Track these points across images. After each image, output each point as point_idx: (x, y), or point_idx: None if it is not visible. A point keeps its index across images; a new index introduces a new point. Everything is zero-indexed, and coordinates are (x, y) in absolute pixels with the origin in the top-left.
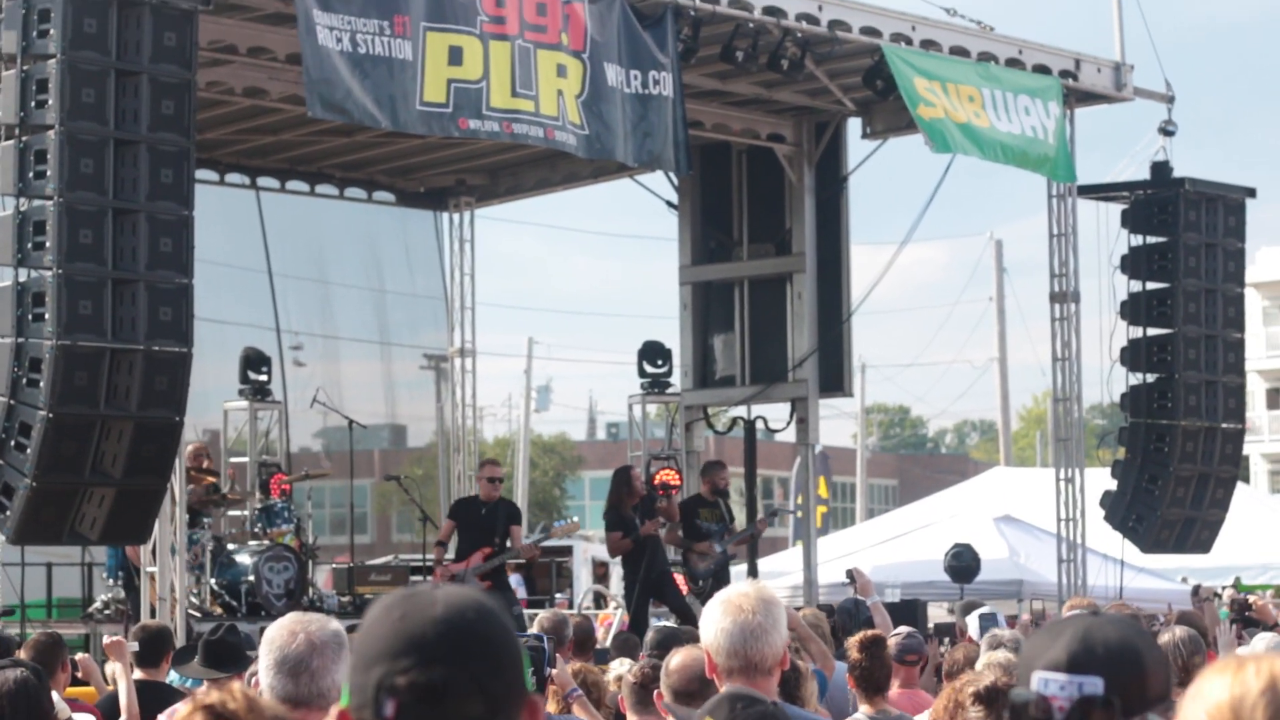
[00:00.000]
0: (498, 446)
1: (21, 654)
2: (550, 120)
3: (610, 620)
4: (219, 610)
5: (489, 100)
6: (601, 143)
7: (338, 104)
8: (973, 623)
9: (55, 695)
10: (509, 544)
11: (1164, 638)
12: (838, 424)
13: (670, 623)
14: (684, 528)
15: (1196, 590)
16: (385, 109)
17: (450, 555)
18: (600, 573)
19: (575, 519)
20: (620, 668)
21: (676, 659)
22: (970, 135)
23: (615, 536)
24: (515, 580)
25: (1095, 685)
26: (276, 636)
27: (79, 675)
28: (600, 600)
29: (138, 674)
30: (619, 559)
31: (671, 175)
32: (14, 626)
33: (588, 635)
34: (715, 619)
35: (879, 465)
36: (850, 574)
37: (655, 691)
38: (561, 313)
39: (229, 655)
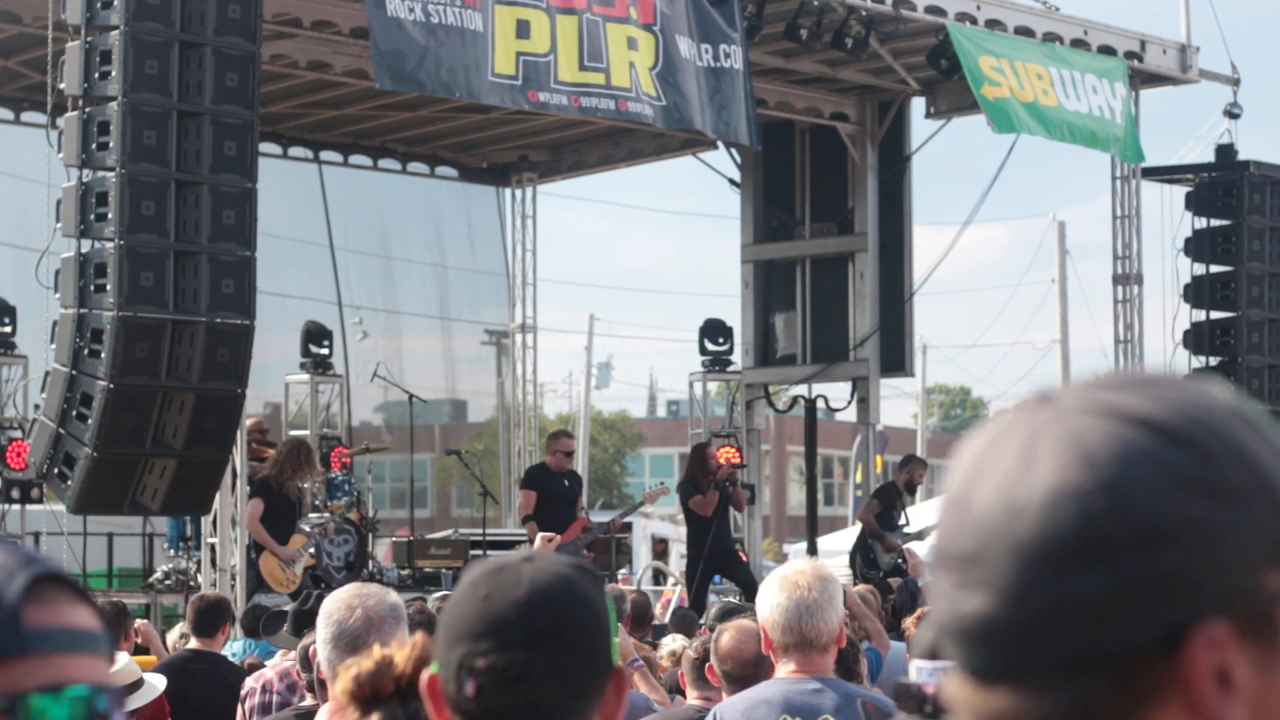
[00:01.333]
0: (558, 423)
1: None
2: (623, 92)
3: (670, 598)
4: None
5: (557, 74)
6: (680, 112)
7: (408, 75)
8: None
9: (126, 657)
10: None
11: None
12: (898, 404)
13: (734, 599)
14: (881, 518)
15: None
16: (459, 79)
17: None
18: (659, 549)
19: (663, 483)
20: (673, 644)
21: (726, 636)
22: (1036, 115)
23: (697, 499)
24: None
25: None
26: (334, 610)
27: (139, 642)
28: (659, 577)
29: (193, 643)
30: (683, 537)
31: (734, 153)
32: None
33: (644, 611)
34: (772, 595)
35: (939, 446)
36: (902, 554)
37: (707, 665)
38: (623, 289)
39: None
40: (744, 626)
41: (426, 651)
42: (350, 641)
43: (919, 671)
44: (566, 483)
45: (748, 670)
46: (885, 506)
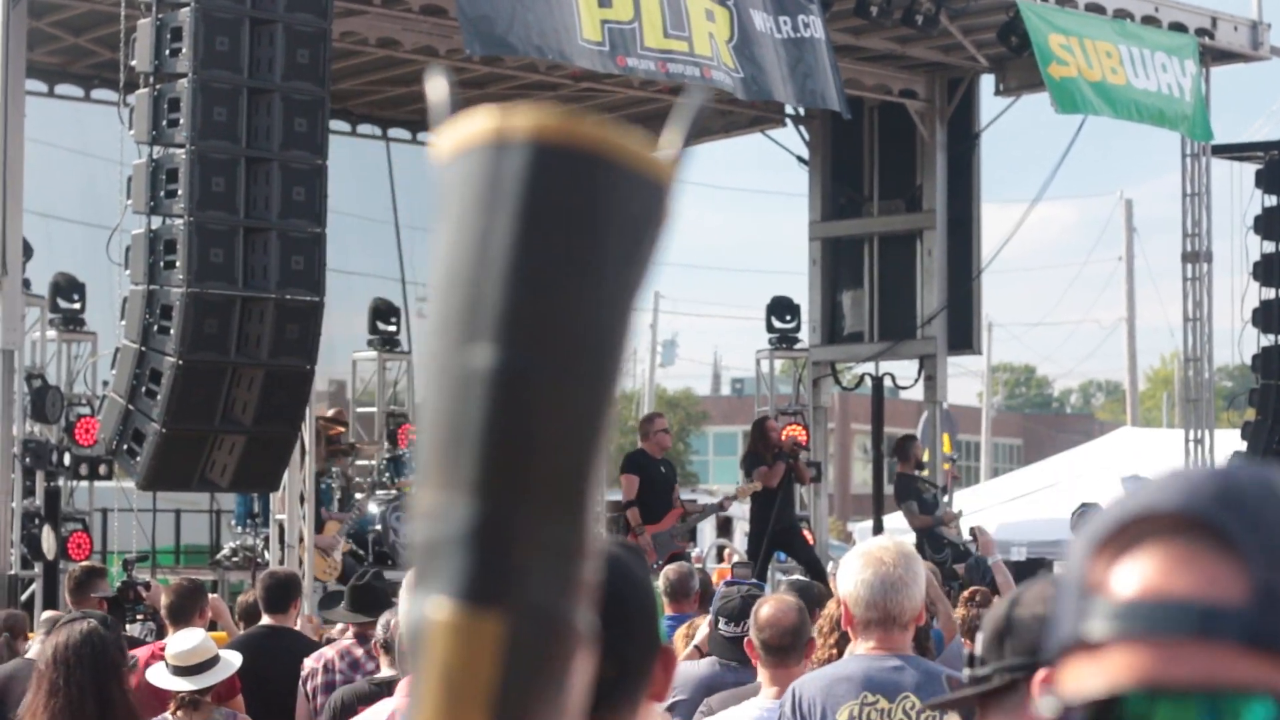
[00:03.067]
0: (623, 400)
1: (162, 599)
2: (706, 60)
3: (728, 574)
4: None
5: (643, 40)
6: (759, 85)
7: (499, 38)
8: None
9: (201, 633)
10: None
11: None
12: (963, 382)
13: (800, 575)
14: (921, 507)
15: None
16: (549, 41)
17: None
18: (724, 527)
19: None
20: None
21: (766, 610)
22: (1103, 94)
23: (762, 470)
24: None
25: None
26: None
27: (210, 617)
28: (723, 554)
29: (266, 619)
30: (746, 515)
31: (803, 130)
32: (144, 572)
33: (706, 590)
34: (855, 570)
35: (1004, 424)
36: (973, 531)
37: (746, 640)
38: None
39: (374, 600)
40: (783, 598)
41: None
42: None
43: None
44: (663, 469)
45: (785, 639)
46: (916, 498)
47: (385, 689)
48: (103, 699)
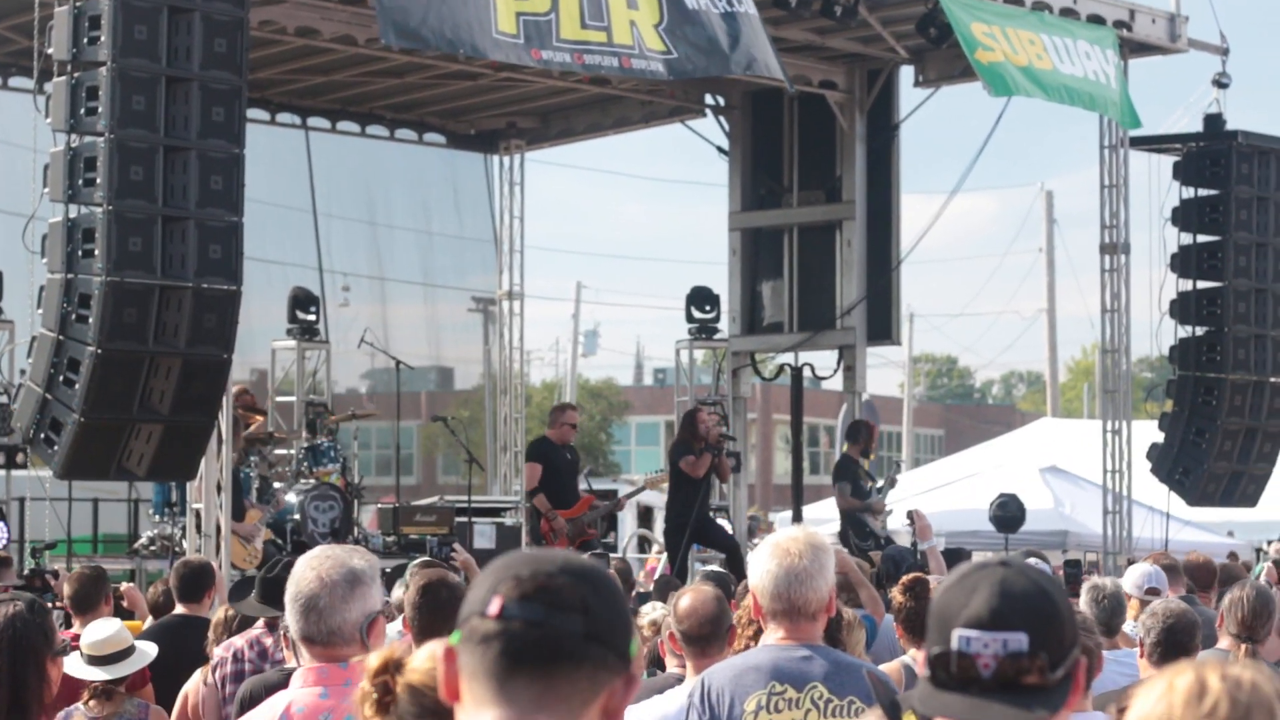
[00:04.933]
0: (544, 390)
1: (65, 587)
2: (625, 49)
3: (655, 565)
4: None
5: (559, 32)
6: (693, 63)
7: (413, 31)
8: None
9: (117, 623)
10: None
11: (1234, 593)
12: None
13: (718, 566)
14: (854, 490)
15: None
16: (463, 36)
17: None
18: (644, 517)
19: (662, 470)
20: (654, 612)
21: (686, 601)
22: (1033, 77)
23: (689, 460)
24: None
25: (1020, 641)
26: (296, 574)
27: (125, 605)
28: (644, 544)
29: (180, 608)
30: (664, 504)
31: (723, 121)
32: (60, 561)
33: (625, 578)
34: (762, 562)
35: (925, 415)
36: (911, 515)
37: (669, 632)
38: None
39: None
40: (701, 589)
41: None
42: (304, 604)
43: (968, 642)
44: (569, 455)
45: (705, 629)
46: (852, 481)
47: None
48: (15, 682)
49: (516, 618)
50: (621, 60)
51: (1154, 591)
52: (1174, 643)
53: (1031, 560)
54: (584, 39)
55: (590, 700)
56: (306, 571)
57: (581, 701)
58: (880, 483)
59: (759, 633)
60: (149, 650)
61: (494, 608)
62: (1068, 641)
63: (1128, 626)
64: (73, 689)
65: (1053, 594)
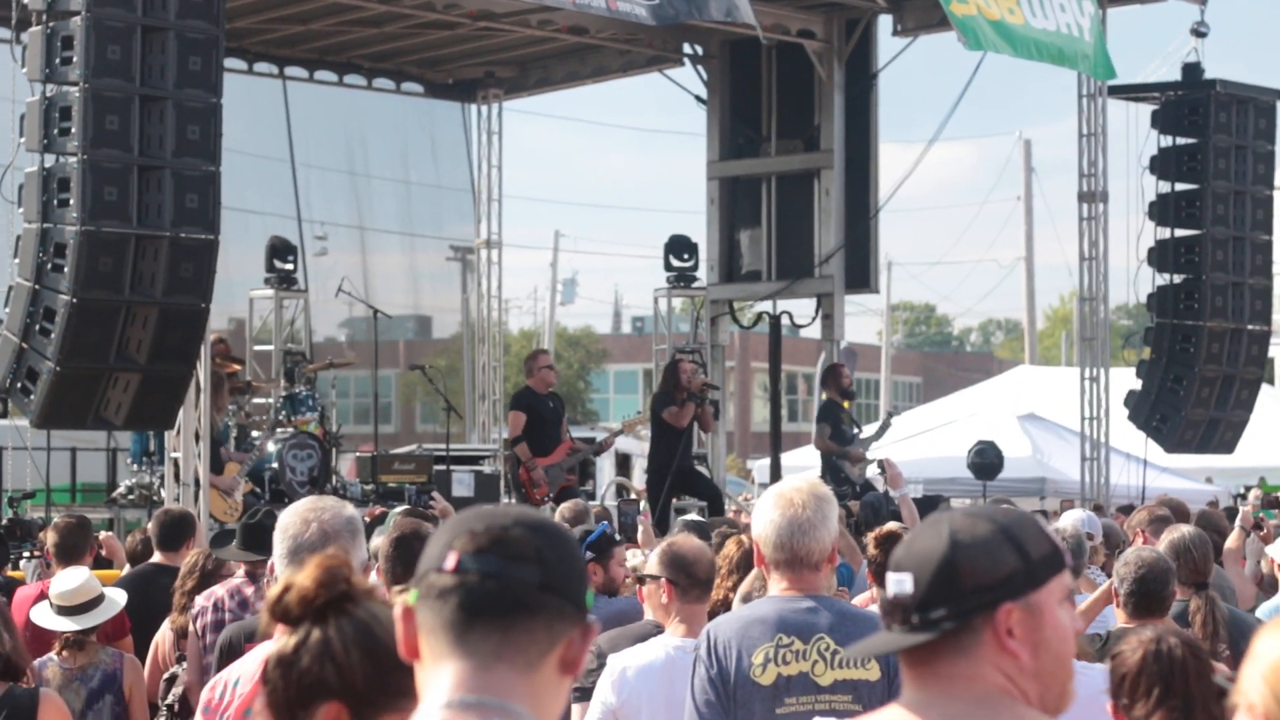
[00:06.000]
0: (523, 339)
1: (49, 536)
2: None
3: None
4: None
5: None
6: (674, 8)
7: None
8: None
9: (85, 572)
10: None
11: (1173, 535)
12: (863, 321)
13: (693, 515)
14: (835, 437)
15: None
16: None
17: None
18: (623, 465)
19: (640, 412)
20: (634, 559)
21: (673, 547)
22: (1003, 33)
23: (672, 410)
24: None
25: (905, 582)
26: (290, 524)
27: (104, 554)
28: (623, 491)
29: (158, 557)
30: (645, 453)
31: (701, 70)
32: (39, 510)
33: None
34: (766, 511)
35: (903, 362)
36: (881, 464)
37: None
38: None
39: (266, 539)
40: (688, 537)
41: (334, 566)
42: (306, 555)
43: (890, 583)
44: (551, 404)
45: (695, 573)
46: (833, 424)
47: None
48: None
49: (472, 570)
50: (609, 1)
51: (1088, 537)
52: (1146, 592)
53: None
54: None
55: (548, 650)
56: (304, 522)
57: (539, 652)
58: (866, 431)
59: (739, 584)
60: (118, 599)
61: (450, 562)
62: (958, 587)
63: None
64: (45, 639)
65: (954, 540)
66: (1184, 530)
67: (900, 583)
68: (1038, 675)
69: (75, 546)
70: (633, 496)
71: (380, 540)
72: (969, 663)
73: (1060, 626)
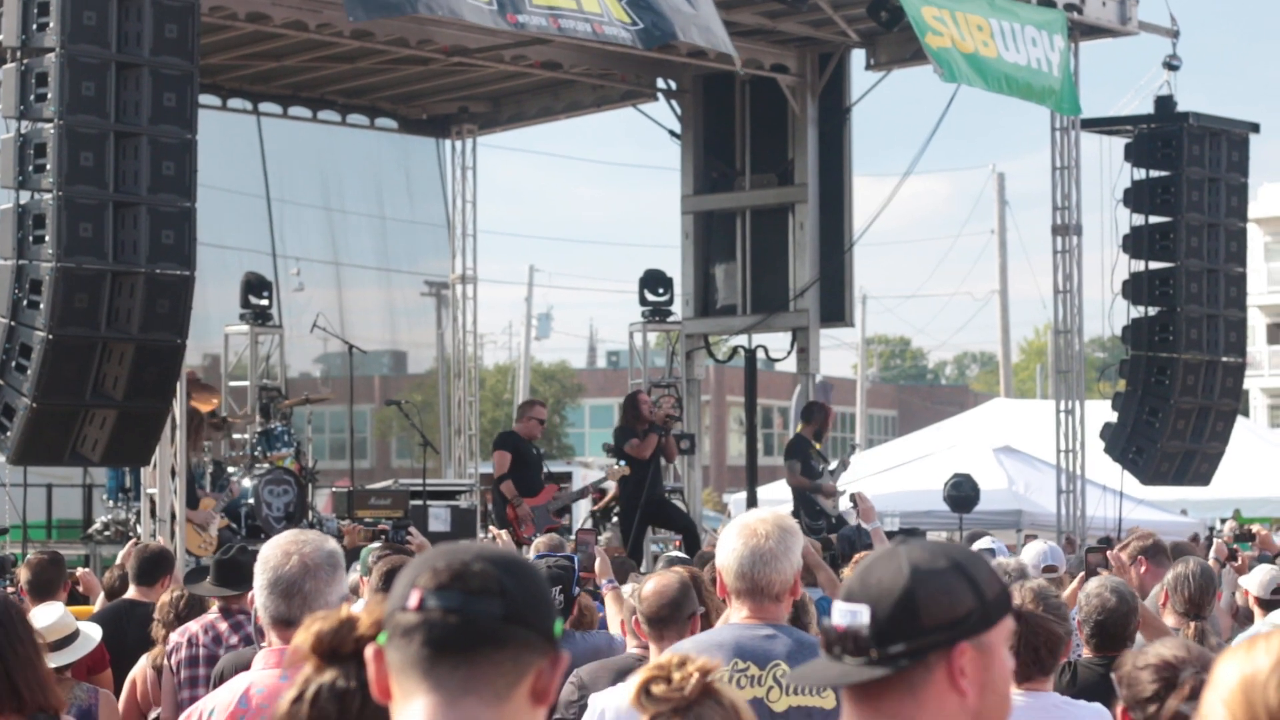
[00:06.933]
0: (498, 374)
1: (22, 573)
2: (596, 16)
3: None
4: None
5: None
6: (660, 29)
7: (381, 2)
8: None
9: (60, 608)
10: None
11: (1177, 568)
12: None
13: (676, 551)
14: (806, 473)
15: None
16: (439, 1)
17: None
18: (597, 499)
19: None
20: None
21: (651, 584)
22: (976, 66)
23: (634, 443)
24: None
25: (861, 614)
26: (271, 556)
27: (80, 590)
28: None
29: (133, 592)
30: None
31: (675, 104)
32: (15, 546)
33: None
34: (729, 541)
35: (879, 396)
36: (853, 498)
37: (634, 617)
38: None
39: (240, 574)
40: (666, 572)
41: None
42: (286, 588)
43: (838, 614)
44: (535, 451)
45: (665, 611)
46: (803, 460)
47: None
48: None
49: (435, 608)
50: (595, 26)
51: (1051, 569)
52: (1105, 634)
53: (982, 541)
54: (556, 4)
55: (515, 682)
56: (285, 555)
57: (507, 683)
58: (833, 465)
59: None
60: (93, 634)
61: (413, 601)
62: (919, 623)
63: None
64: None
65: (915, 573)
66: (1190, 563)
67: (855, 614)
68: (979, 715)
69: (48, 583)
70: (607, 536)
71: (358, 575)
72: (915, 702)
73: (1005, 668)
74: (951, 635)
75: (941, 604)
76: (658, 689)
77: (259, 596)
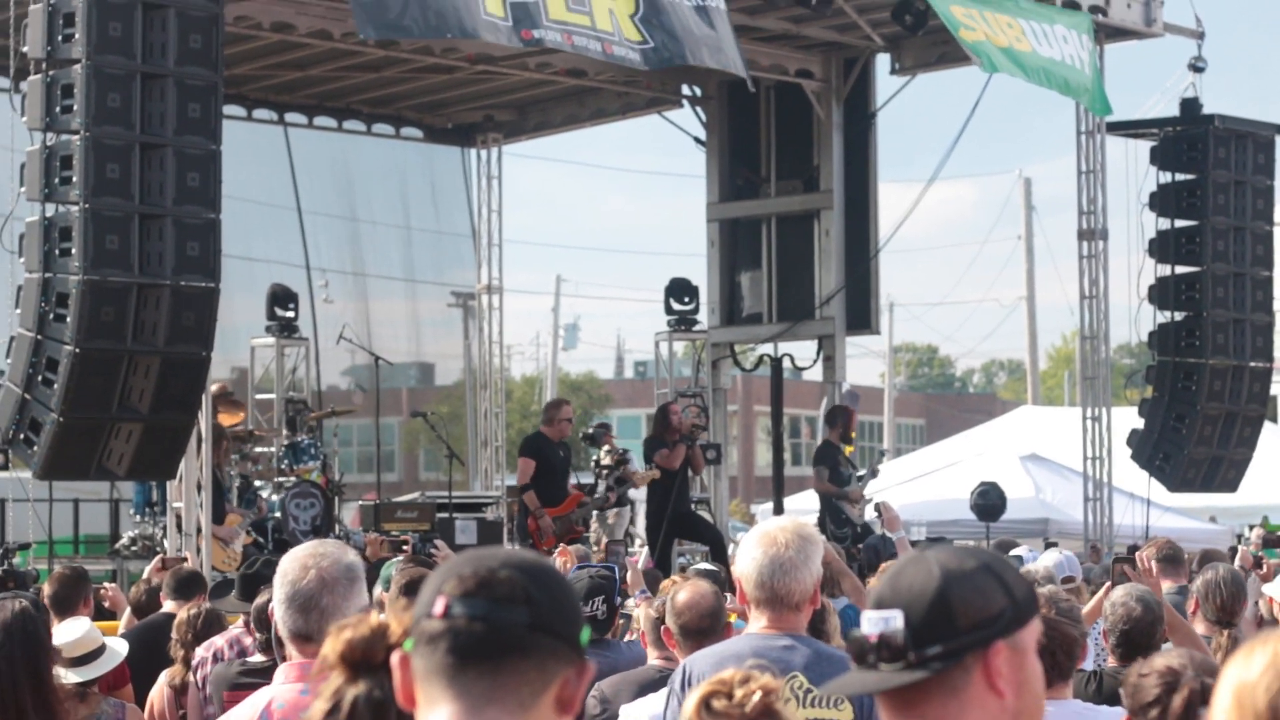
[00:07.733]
0: (525, 385)
1: (46, 588)
2: (607, 35)
3: (638, 560)
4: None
5: (547, 12)
6: (669, 51)
7: (392, 22)
8: None
9: (86, 623)
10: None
11: (1206, 574)
12: (865, 363)
13: (705, 564)
14: (833, 479)
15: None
16: (449, 20)
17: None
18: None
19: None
20: (636, 609)
21: (684, 595)
22: (1014, 58)
23: (663, 453)
24: None
25: (895, 620)
26: (289, 570)
27: (106, 606)
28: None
29: (170, 606)
30: (644, 497)
31: (700, 111)
32: (41, 562)
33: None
34: (749, 550)
35: (906, 404)
36: (878, 508)
37: (663, 627)
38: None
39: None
40: (698, 583)
41: None
42: (304, 602)
43: (867, 622)
44: (561, 453)
45: (704, 622)
46: (831, 467)
47: (259, 674)
48: (36, 676)
49: (461, 615)
50: (604, 46)
51: (1068, 580)
52: (1130, 643)
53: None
54: (571, 20)
55: (541, 691)
56: (303, 568)
57: (531, 692)
58: (863, 471)
59: None
60: (120, 649)
61: (439, 608)
62: (954, 625)
63: None
64: None
65: (945, 577)
66: (1220, 569)
67: (888, 620)
68: (1018, 715)
69: (69, 598)
70: (639, 543)
71: (381, 589)
72: (959, 704)
73: (1038, 667)
74: (987, 635)
75: (975, 604)
76: (719, 704)
77: (277, 610)
